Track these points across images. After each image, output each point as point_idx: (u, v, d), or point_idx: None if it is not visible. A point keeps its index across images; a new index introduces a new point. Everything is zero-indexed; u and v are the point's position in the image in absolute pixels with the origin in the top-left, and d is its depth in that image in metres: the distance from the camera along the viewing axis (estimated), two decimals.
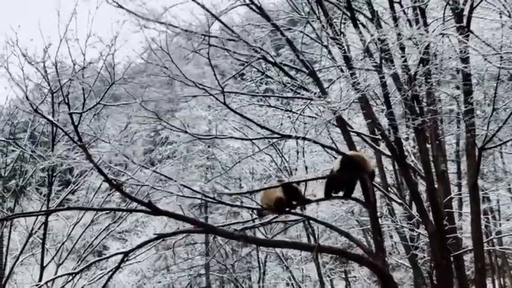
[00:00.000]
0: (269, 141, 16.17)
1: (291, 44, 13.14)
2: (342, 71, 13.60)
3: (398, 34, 11.39)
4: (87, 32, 14.60)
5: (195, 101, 21.44)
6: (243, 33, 12.74)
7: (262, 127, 12.35)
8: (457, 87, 15.03)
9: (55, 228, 24.80)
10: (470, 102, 12.31)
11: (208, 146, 29.76)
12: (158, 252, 28.19)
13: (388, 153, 12.99)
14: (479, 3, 12.42)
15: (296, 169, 23.38)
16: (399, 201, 17.70)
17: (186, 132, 11.99)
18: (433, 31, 12.07)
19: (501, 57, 11.99)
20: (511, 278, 27.06)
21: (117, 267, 9.02)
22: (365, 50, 11.54)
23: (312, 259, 26.31)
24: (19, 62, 15.87)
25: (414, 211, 16.68)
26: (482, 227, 14.47)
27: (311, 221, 21.71)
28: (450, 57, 12.80)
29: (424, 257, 18.20)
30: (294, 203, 9.81)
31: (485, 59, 11.90)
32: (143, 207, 8.69)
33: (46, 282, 10.59)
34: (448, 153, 19.91)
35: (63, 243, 21.66)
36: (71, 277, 18.41)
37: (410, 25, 12.45)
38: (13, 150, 23.08)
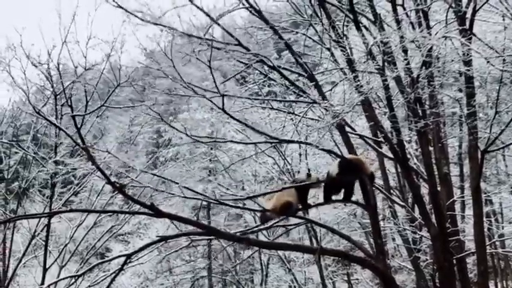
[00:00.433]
0: (270, 144, 16.15)
1: (289, 47, 13.13)
2: (344, 73, 13.61)
3: (401, 37, 11.38)
4: (87, 34, 14.65)
5: (197, 103, 21.49)
6: (246, 36, 12.75)
7: (260, 132, 12.34)
8: (460, 90, 15.03)
9: (58, 230, 24.81)
10: (473, 104, 12.31)
11: (211, 148, 29.77)
12: (160, 254, 28.15)
13: (391, 155, 12.99)
14: (482, 6, 12.43)
15: (299, 171, 23.36)
16: (402, 203, 17.68)
17: (187, 135, 11.99)
18: (435, 34, 12.06)
19: (504, 59, 12.00)
20: None
21: (120, 270, 9.02)
22: (368, 52, 11.53)
23: (314, 261, 26.30)
24: (21, 65, 15.90)
25: (417, 214, 16.66)
26: (485, 229, 14.44)
27: (313, 224, 21.76)
28: (453, 60, 12.80)
29: (427, 259, 18.18)
30: (300, 207, 9.80)
31: (488, 62, 11.90)
32: (146, 210, 8.70)
33: (49, 285, 10.61)
34: (451, 156, 19.91)
35: (65, 245, 21.68)
36: (73, 279, 18.51)
37: (413, 28, 12.46)
38: (16, 152, 23.13)
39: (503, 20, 13.20)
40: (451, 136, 19.25)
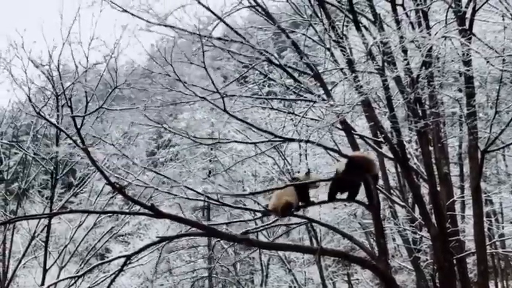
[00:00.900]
0: (271, 144, 16.15)
1: (296, 46, 13.16)
2: (344, 74, 13.61)
3: (401, 37, 11.39)
4: (90, 35, 14.64)
5: (198, 103, 21.48)
6: (246, 36, 12.77)
7: (264, 131, 12.36)
8: (460, 90, 15.03)
9: (58, 231, 24.81)
10: (473, 104, 12.31)
11: (211, 149, 29.75)
12: (161, 256, 28.16)
13: (391, 155, 12.99)
14: (482, 5, 12.43)
15: (299, 171, 23.36)
16: (402, 203, 17.67)
17: (188, 136, 12.01)
18: (435, 34, 12.06)
19: (503, 59, 12.01)
20: None
21: (120, 270, 9.01)
22: (368, 52, 11.54)
23: (314, 262, 26.29)
24: (22, 64, 15.87)
25: (417, 214, 16.65)
26: (485, 229, 14.43)
27: (313, 224, 21.75)
28: (453, 60, 12.79)
29: (427, 259, 18.17)
30: (301, 204, 9.76)
31: (488, 62, 11.90)
32: (146, 210, 8.68)
33: (49, 286, 10.60)
34: (451, 156, 19.89)
35: (65, 246, 21.67)
36: (73, 280, 18.47)
37: (413, 28, 12.46)
38: (16, 153, 23.12)
39: (503, 19, 13.20)
40: (451, 136, 19.25)
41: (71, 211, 12.87)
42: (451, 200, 14.66)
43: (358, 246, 10.64)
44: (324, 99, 12.09)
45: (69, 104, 12.79)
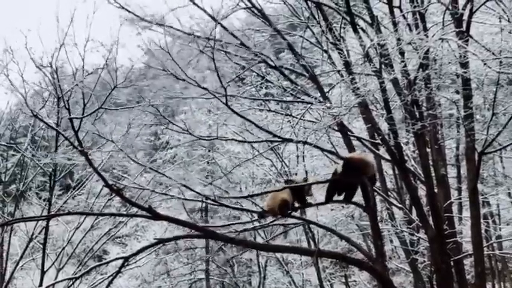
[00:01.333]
0: (269, 145, 16.16)
1: (292, 48, 13.17)
2: (341, 75, 13.63)
3: (398, 39, 11.40)
4: (86, 36, 14.61)
5: (196, 104, 21.49)
6: (243, 38, 12.79)
7: (264, 130, 12.36)
8: (457, 92, 15.04)
9: (55, 233, 24.81)
10: (470, 106, 12.32)
11: (209, 151, 29.76)
12: (158, 257, 28.18)
13: (388, 157, 13.00)
14: (479, 7, 12.44)
15: (296, 173, 23.35)
16: (399, 205, 17.69)
17: (188, 132, 12.00)
18: (432, 36, 12.09)
19: (500, 61, 12.03)
20: (511, 283, 27.04)
21: (118, 272, 9.01)
22: (365, 55, 11.54)
23: (312, 264, 26.30)
24: (18, 68, 15.86)
25: (414, 215, 16.67)
26: (482, 231, 14.48)
27: (311, 226, 21.76)
28: (450, 62, 12.82)
29: (424, 261, 18.19)
30: (297, 205, 9.76)
31: (485, 64, 11.92)
32: (144, 212, 8.69)
33: (47, 287, 10.60)
34: (448, 158, 19.91)
35: (63, 248, 21.66)
36: (71, 282, 18.52)
37: (410, 30, 12.47)
38: (13, 155, 23.12)
39: (500, 21, 13.21)
40: (448, 138, 19.27)
41: (69, 213, 12.88)
42: (448, 202, 14.68)
43: (355, 248, 10.67)
44: (320, 101, 12.11)
45: (67, 106, 12.76)
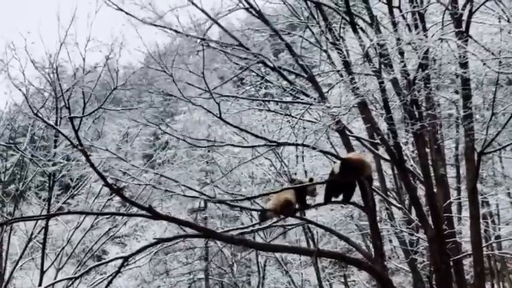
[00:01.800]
0: (267, 147, 16.19)
1: (290, 48, 13.16)
2: (341, 75, 13.63)
3: (398, 39, 11.40)
4: (87, 36, 14.59)
5: (194, 105, 21.48)
6: (243, 38, 12.78)
7: (257, 136, 12.36)
8: (456, 92, 15.04)
9: (55, 233, 24.80)
10: (469, 106, 12.33)
11: (208, 151, 29.73)
12: (157, 258, 28.12)
13: (388, 157, 13.00)
14: (479, 8, 12.45)
15: (295, 173, 23.37)
16: (398, 205, 17.69)
17: (185, 141, 12.02)
18: (432, 36, 12.09)
19: (500, 61, 12.04)
20: (510, 283, 27.06)
21: (117, 272, 9.01)
22: (364, 54, 11.55)
23: (311, 263, 26.31)
24: (20, 66, 15.82)
25: (413, 215, 16.67)
26: (482, 231, 14.48)
27: (310, 226, 21.76)
28: (449, 62, 12.83)
29: (424, 261, 18.19)
30: (298, 207, 9.77)
31: (484, 64, 11.93)
32: (143, 212, 8.69)
33: (46, 287, 10.60)
34: (447, 158, 19.93)
35: (63, 248, 21.66)
36: (70, 282, 18.51)
37: (410, 30, 12.47)
38: (13, 155, 23.11)
39: (499, 22, 13.22)
40: (448, 138, 19.28)
41: (69, 212, 12.86)
42: (447, 202, 14.68)
43: (354, 248, 10.68)
44: (319, 102, 12.11)
45: (67, 105, 12.74)
